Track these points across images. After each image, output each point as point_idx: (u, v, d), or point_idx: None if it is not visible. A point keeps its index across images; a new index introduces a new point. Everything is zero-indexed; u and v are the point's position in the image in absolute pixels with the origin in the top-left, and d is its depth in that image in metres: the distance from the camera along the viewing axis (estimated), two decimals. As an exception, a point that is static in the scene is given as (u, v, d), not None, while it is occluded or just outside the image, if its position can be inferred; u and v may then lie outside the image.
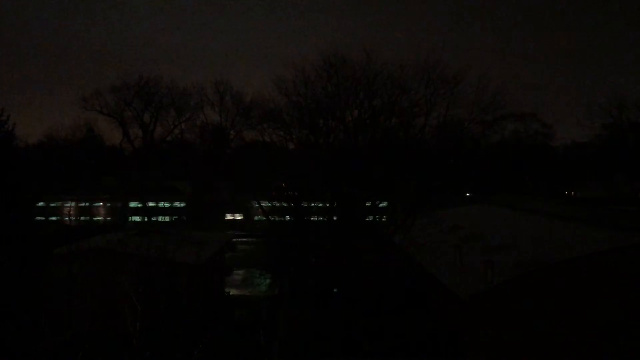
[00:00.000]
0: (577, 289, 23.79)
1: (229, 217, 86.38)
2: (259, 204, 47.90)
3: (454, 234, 38.76)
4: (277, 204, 44.61)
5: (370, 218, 41.22)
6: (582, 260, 24.48)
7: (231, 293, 44.49)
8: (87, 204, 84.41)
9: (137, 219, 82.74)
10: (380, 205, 42.43)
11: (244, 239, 71.58)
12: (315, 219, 41.74)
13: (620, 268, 23.82)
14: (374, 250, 38.85)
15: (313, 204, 42.56)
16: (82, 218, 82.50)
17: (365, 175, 37.86)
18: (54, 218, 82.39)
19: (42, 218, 78.49)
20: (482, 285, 25.76)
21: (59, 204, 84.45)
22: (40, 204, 77.29)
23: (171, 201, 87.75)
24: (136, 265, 26.77)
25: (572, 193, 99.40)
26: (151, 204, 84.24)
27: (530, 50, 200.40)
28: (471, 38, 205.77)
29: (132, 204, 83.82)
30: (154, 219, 79.93)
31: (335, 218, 39.24)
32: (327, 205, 40.13)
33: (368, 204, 40.75)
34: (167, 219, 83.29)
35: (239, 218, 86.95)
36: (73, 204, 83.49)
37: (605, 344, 23.41)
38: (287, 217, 42.87)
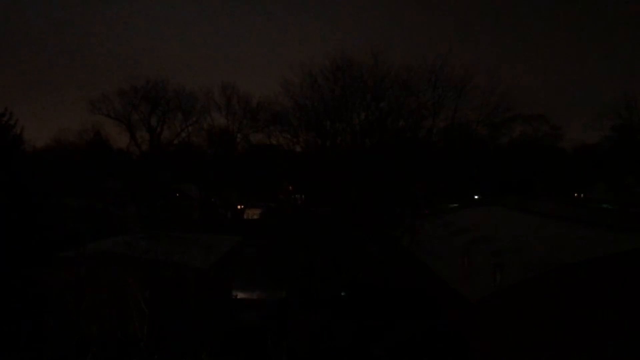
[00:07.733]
0: (588, 292, 23.45)
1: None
2: (267, 206, 47.86)
3: (463, 237, 38.43)
4: (284, 207, 44.58)
5: (378, 221, 41.01)
6: (594, 262, 24.14)
7: (238, 296, 44.35)
8: (95, 207, 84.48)
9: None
10: (388, 208, 42.22)
11: (251, 242, 71.29)
12: (323, 221, 41.60)
13: (633, 270, 23.46)
14: (381, 253, 38.64)
15: (320, 207, 42.46)
16: (90, 222, 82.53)
17: (372, 178, 37.71)
18: (61, 221, 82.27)
19: (50, 221, 78.40)
20: (492, 288, 25.48)
21: (67, 206, 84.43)
22: (48, 207, 77.30)
23: (178, 204, 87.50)
24: (143, 269, 26.70)
25: (582, 195, 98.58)
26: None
27: (538, 52, 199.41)
28: (479, 40, 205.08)
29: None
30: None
31: (342, 221, 39.11)
32: (335, 207, 40.00)
33: (376, 206, 40.56)
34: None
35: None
36: (82, 207, 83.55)
37: (619, 348, 23.03)
38: (295, 220, 42.77)
